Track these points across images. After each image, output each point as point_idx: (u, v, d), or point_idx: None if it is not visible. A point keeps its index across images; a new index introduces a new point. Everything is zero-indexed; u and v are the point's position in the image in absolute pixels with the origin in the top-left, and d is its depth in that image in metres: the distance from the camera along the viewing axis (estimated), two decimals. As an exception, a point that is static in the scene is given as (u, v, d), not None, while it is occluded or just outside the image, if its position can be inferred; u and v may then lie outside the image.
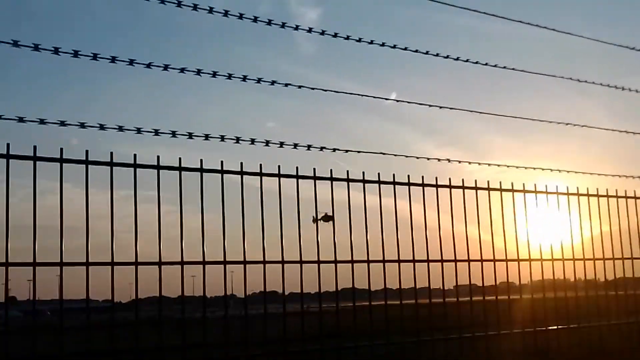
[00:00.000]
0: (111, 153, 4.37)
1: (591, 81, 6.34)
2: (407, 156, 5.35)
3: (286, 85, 4.65)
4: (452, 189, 5.69)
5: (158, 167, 4.52)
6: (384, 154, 5.15)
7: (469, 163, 5.87)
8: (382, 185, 5.12)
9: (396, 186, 5.24)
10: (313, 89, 4.94)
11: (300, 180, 4.77)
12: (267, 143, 4.58)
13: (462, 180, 5.73)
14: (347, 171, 4.95)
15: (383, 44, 5.41)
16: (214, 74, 4.54)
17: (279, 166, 4.71)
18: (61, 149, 4.25)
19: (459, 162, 5.80)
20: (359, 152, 5.00)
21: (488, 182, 5.84)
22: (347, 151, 4.93)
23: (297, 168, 4.69)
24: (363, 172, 5.12)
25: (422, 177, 5.41)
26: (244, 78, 4.55)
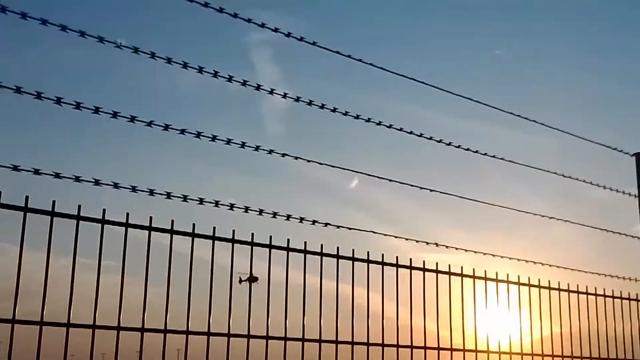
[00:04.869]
0: (79, 206, 4.07)
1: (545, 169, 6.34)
2: (375, 232, 5.15)
3: (257, 148, 4.54)
4: (412, 271, 5.45)
5: (126, 225, 4.24)
6: (351, 229, 4.96)
7: (430, 243, 5.69)
8: (340, 261, 4.89)
9: (355, 263, 4.98)
10: (283, 155, 4.81)
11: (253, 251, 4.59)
12: (231, 207, 4.44)
13: (423, 262, 5.50)
14: (305, 242, 4.74)
15: (357, 117, 5.36)
16: (198, 135, 4.42)
17: (233, 231, 4.50)
18: (26, 197, 3.94)
19: (427, 243, 5.61)
20: (325, 224, 4.81)
21: (449, 265, 5.65)
22: (314, 222, 4.74)
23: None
24: (321, 245, 4.87)
25: (382, 255, 5.18)
26: (228, 142, 4.46)
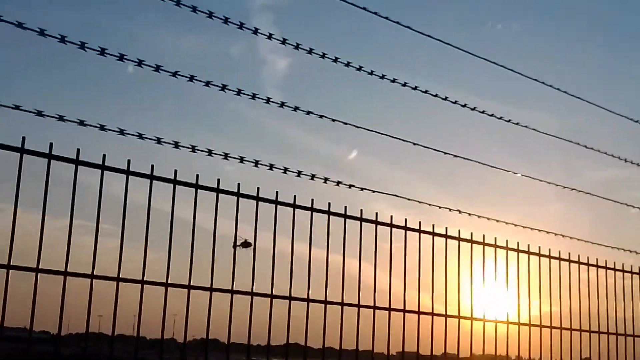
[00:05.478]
0: (78, 150, 3.96)
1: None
2: (375, 191, 5.13)
3: (267, 100, 4.51)
4: (424, 235, 5.40)
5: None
6: (351, 186, 4.91)
7: (453, 210, 5.60)
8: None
9: (363, 224, 4.93)
10: (282, 105, 4.72)
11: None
12: (240, 159, 4.39)
13: (432, 225, 5.46)
14: (312, 199, 4.70)
15: (360, 68, 5.29)
16: (192, 78, 4.35)
17: (218, 180, 4.40)
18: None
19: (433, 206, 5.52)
20: (337, 183, 4.76)
21: (459, 230, 5.57)
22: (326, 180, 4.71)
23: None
24: (345, 207, 4.83)
25: (405, 219, 5.20)
26: (223, 88, 4.40)
